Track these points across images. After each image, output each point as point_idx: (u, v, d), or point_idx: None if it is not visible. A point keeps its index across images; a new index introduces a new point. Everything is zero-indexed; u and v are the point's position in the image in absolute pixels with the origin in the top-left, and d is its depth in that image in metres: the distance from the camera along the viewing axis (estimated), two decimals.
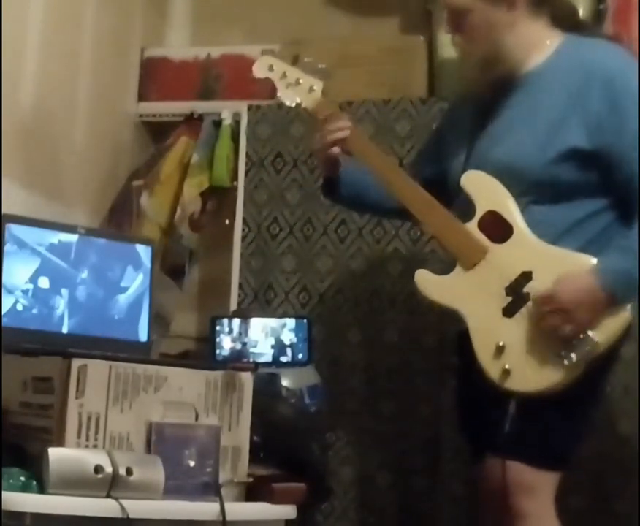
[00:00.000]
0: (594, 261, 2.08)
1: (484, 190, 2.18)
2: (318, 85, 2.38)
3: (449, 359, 2.87)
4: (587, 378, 2.07)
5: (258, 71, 2.44)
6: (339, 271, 3.08)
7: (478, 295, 2.15)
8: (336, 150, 2.33)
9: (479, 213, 2.17)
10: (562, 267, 2.09)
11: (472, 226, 2.18)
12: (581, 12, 2.71)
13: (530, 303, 2.10)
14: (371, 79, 3.14)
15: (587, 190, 2.14)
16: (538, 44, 2.21)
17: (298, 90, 2.38)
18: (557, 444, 2.12)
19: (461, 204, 2.22)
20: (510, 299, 2.11)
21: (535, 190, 2.14)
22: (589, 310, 2.05)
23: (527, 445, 2.08)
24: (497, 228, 2.15)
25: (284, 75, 2.40)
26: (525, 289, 2.11)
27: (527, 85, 2.20)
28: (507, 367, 2.07)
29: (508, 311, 2.11)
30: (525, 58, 2.21)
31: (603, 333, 2.06)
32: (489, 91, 2.23)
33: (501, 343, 2.09)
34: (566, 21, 2.25)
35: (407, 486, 2.91)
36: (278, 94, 2.42)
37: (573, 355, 2.05)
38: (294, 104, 2.40)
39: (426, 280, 2.23)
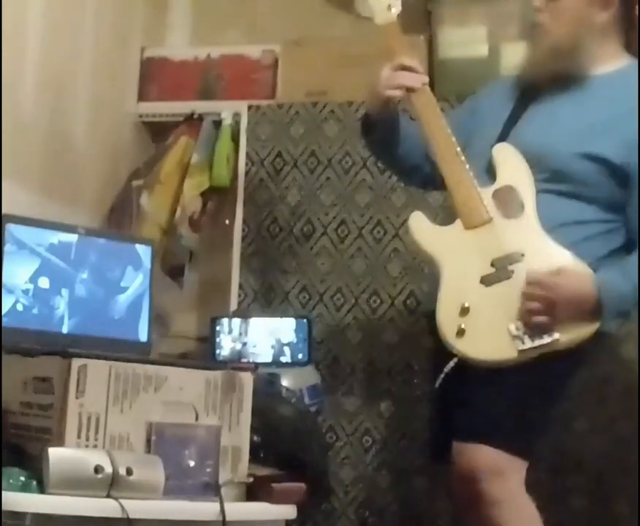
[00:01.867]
0: (582, 265, 2.10)
1: (510, 163, 2.20)
2: (396, 7, 2.34)
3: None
4: (549, 370, 2.08)
5: None
6: (339, 271, 3.08)
7: (464, 254, 2.16)
8: (399, 93, 2.29)
9: (498, 184, 2.20)
10: (552, 263, 2.10)
11: (487, 191, 2.19)
12: None
13: (510, 281, 2.11)
14: (371, 79, 3.13)
15: (601, 201, 2.17)
16: (606, 58, 2.25)
17: (377, 3, 2.35)
18: (521, 429, 2.12)
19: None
20: (493, 270, 2.13)
21: (553, 178, 2.16)
22: (572, 311, 2.07)
23: (493, 428, 2.09)
24: (509, 203, 2.17)
25: None
26: (511, 267, 2.12)
27: (582, 89, 2.23)
28: (463, 326, 2.09)
29: (487, 280, 2.13)
30: (593, 64, 2.24)
31: (568, 335, 2.08)
32: (545, 82, 2.24)
33: (467, 304, 2.10)
34: (634, 47, 2.28)
35: (407, 486, 2.92)
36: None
37: (527, 341, 2.06)
38: (366, 15, 2.37)
39: (419, 224, 2.24)
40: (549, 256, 2.12)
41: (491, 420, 2.10)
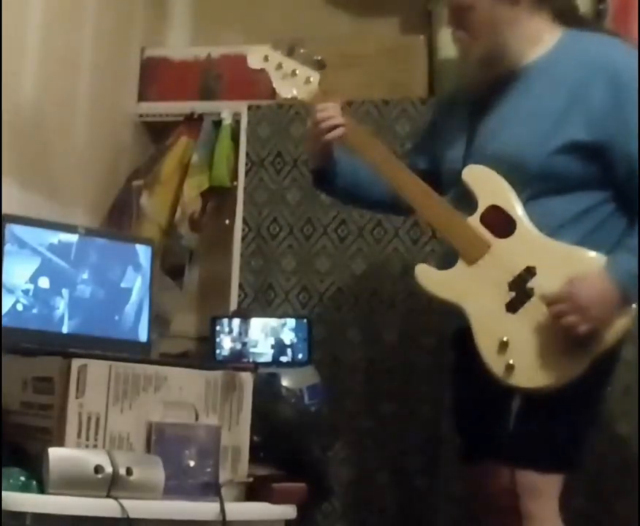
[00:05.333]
0: (598, 257, 2.07)
1: (487, 184, 2.16)
2: (314, 77, 2.33)
3: (449, 359, 2.88)
4: (589, 377, 2.06)
5: (254, 62, 2.39)
6: (339, 271, 3.08)
7: (480, 290, 2.13)
8: (332, 135, 2.28)
9: (481, 208, 2.16)
10: (567, 263, 2.08)
11: (474, 220, 2.16)
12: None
13: (533, 299, 2.08)
14: (371, 79, 3.13)
15: (587, 183, 2.12)
16: (538, 38, 2.19)
17: (294, 81, 2.33)
18: (563, 446, 2.11)
19: (456, 197, 2.21)
20: (513, 294, 2.10)
21: (535, 183, 2.12)
22: (604, 308, 2.03)
23: (533, 450, 2.07)
24: (500, 223, 2.14)
25: (280, 66, 2.35)
26: (529, 284, 2.09)
27: (526, 78, 2.18)
28: (511, 362, 2.05)
29: (512, 307, 2.10)
30: (525, 51, 2.19)
31: (610, 331, 2.05)
32: (488, 86, 2.21)
33: (505, 339, 2.07)
34: (567, 16, 2.23)
35: (407, 486, 2.91)
36: (274, 85, 2.36)
37: (581, 353, 2.03)
38: (289, 96, 2.35)
39: (427, 275, 2.21)
40: (559, 258, 2.09)
41: (527, 441, 2.06)
